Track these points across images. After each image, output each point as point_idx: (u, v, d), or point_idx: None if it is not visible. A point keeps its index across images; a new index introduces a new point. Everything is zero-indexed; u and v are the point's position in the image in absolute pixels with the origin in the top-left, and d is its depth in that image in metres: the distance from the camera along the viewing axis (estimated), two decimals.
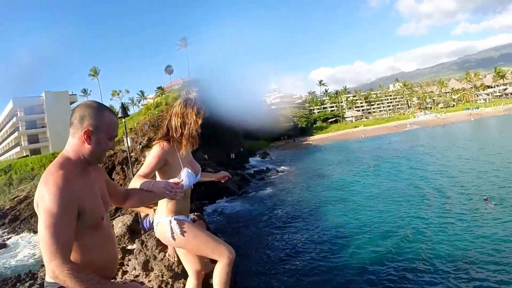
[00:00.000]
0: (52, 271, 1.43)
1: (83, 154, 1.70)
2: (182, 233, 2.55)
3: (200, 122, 2.63)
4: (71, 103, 54.35)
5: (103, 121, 1.70)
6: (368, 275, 11.58)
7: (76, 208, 1.57)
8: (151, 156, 2.53)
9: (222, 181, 3.25)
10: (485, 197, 18.03)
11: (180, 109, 2.61)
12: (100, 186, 1.83)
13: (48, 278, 1.59)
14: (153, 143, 2.63)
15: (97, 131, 1.68)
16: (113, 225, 5.46)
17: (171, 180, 2.08)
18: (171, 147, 2.59)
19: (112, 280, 1.94)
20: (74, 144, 1.69)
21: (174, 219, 2.58)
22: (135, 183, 2.24)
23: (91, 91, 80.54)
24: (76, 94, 60.19)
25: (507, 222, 14.64)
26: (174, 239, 2.56)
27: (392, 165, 34.13)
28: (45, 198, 1.49)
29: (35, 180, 28.82)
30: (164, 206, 2.58)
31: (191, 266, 2.82)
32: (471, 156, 32.81)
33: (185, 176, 2.55)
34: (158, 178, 2.62)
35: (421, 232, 14.88)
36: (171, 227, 2.55)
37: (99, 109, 1.71)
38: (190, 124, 2.59)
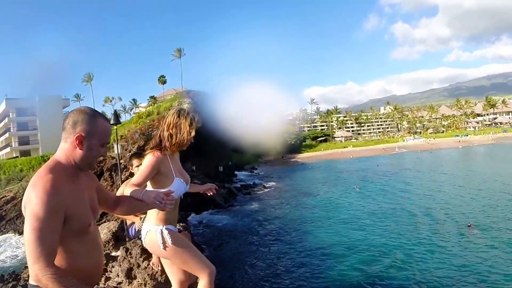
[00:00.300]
0: (35, 274, 1.45)
1: (74, 159, 1.69)
2: (173, 243, 2.54)
3: (193, 133, 2.65)
4: (64, 107, 54.23)
5: (96, 128, 1.70)
6: None
7: (63, 213, 1.57)
8: (145, 165, 2.54)
9: (208, 194, 3.24)
10: (469, 224, 18.23)
11: (174, 119, 2.62)
12: (89, 193, 1.82)
13: (32, 281, 1.60)
14: (146, 152, 2.64)
15: (89, 137, 1.68)
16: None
17: (162, 191, 2.09)
18: (164, 156, 2.59)
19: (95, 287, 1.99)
20: (65, 149, 1.70)
21: (166, 228, 2.58)
22: (127, 191, 2.25)
23: (84, 96, 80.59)
24: (69, 99, 60.35)
25: (487, 251, 14.80)
26: (164, 248, 2.54)
27: (378, 187, 34.42)
28: (32, 202, 1.50)
29: (23, 181, 28.61)
30: (154, 215, 2.58)
31: (175, 277, 2.81)
32: (458, 182, 33.23)
33: (176, 186, 2.56)
34: (149, 187, 2.63)
35: (403, 256, 14.99)
36: (162, 237, 2.54)
37: (93, 115, 1.71)
38: (183, 134, 2.60)
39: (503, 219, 19.11)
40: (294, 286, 12.85)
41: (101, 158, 22.64)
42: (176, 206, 2.72)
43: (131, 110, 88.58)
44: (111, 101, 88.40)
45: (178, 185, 2.59)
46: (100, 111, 1.91)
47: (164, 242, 2.53)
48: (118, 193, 3.66)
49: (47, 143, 45.46)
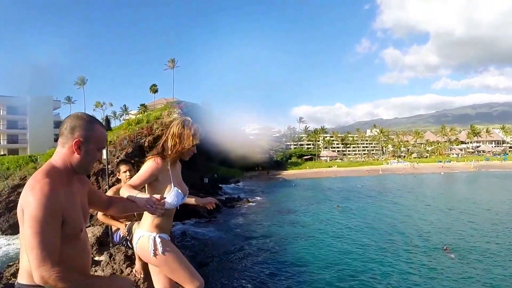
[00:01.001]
0: (41, 276, 1.46)
1: (71, 164, 1.73)
2: (164, 251, 2.55)
3: (196, 143, 2.69)
4: (55, 108, 54.66)
5: (93, 133, 1.75)
6: None
7: (60, 216, 1.59)
8: (144, 169, 2.57)
9: (208, 208, 3.26)
10: (445, 247, 18.67)
11: (178, 129, 2.64)
12: (81, 198, 1.85)
13: (22, 280, 1.65)
14: (147, 158, 2.65)
15: (87, 142, 1.72)
16: None
17: (155, 196, 2.18)
18: (164, 164, 2.62)
19: (97, 274, 2.11)
20: (63, 153, 1.73)
21: (159, 236, 2.59)
22: (123, 191, 2.32)
23: (75, 100, 80.00)
24: (60, 101, 60.49)
25: (462, 273, 15.30)
26: (155, 256, 2.54)
27: (359, 207, 34.97)
28: (31, 205, 1.50)
29: (9, 180, 28.29)
30: (149, 221, 2.58)
31: (160, 286, 2.77)
32: (437, 206, 34.09)
33: (174, 195, 2.59)
34: (146, 191, 2.64)
35: (379, 276, 15.29)
36: (154, 244, 2.55)
37: (90, 121, 1.76)
38: (185, 144, 2.63)
39: (479, 244, 19.70)
40: None
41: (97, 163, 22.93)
42: (171, 215, 2.76)
43: (121, 117, 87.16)
44: (102, 106, 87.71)
45: (176, 195, 2.61)
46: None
47: (155, 249, 2.54)
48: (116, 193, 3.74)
49: (35, 143, 46.34)
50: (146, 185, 2.60)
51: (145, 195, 2.20)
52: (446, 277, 15.04)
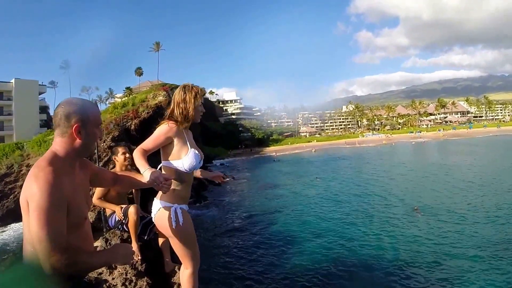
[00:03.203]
0: (52, 266, 1.44)
1: (75, 149, 1.71)
2: (184, 224, 2.55)
3: (200, 101, 2.66)
4: (40, 93, 52.69)
5: (88, 114, 1.71)
6: (313, 275, 12.70)
7: (66, 204, 1.57)
8: (159, 133, 2.52)
9: (217, 182, 3.27)
10: (415, 207, 20.25)
11: (180, 96, 2.62)
12: (84, 186, 1.83)
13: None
14: (161, 122, 2.62)
15: (85, 125, 1.69)
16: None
17: (163, 174, 2.17)
18: (180, 128, 2.59)
19: (98, 250, 2.23)
20: (64, 142, 1.68)
21: (180, 208, 2.59)
22: (137, 155, 2.31)
23: (57, 83, 79.56)
24: (45, 85, 58.38)
25: (427, 230, 16.76)
26: (176, 227, 2.52)
27: (338, 177, 36.37)
28: (36, 195, 1.47)
29: None
30: (170, 191, 2.39)
31: (187, 255, 2.67)
32: (411, 172, 36.11)
33: (192, 157, 2.56)
34: (161, 156, 2.64)
35: (356, 236, 16.47)
36: (176, 215, 2.53)
37: (82, 104, 1.72)
38: (190, 107, 2.60)
39: (447, 204, 21.10)
40: (264, 269, 13.67)
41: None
42: (190, 183, 2.73)
43: (106, 100, 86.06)
44: (87, 90, 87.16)
45: (194, 156, 2.58)
46: None
47: (177, 221, 2.52)
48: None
49: (21, 130, 44.33)
50: (161, 149, 2.58)
51: (150, 171, 2.13)
52: (412, 233, 16.40)
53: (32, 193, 1.48)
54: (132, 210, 3.92)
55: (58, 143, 1.68)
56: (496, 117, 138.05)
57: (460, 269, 12.33)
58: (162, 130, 2.50)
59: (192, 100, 2.59)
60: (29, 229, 1.49)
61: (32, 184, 1.50)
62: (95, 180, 2.01)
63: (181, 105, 2.58)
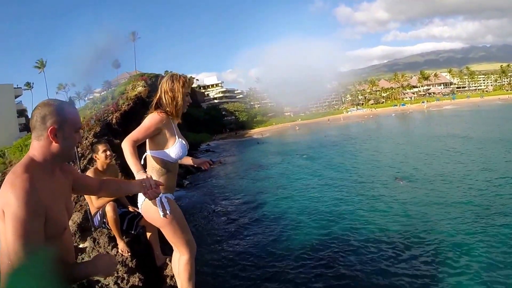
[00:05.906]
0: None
1: (52, 154, 1.62)
2: (171, 212, 2.54)
3: (188, 90, 2.66)
4: (16, 96, 52.06)
5: (65, 116, 1.63)
6: (304, 251, 12.23)
7: (44, 213, 1.49)
8: (148, 122, 2.49)
9: (203, 168, 3.29)
10: (397, 178, 20.42)
11: (168, 85, 2.61)
12: (64, 192, 1.74)
13: None
14: (149, 112, 2.60)
15: (62, 127, 1.61)
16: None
17: (154, 179, 2.03)
18: (169, 118, 2.59)
19: (79, 262, 2.17)
20: (40, 146, 1.60)
21: (165, 196, 2.56)
22: (128, 149, 2.27)
23: (33, 83, 76.47)
24: (21, 88, 57.48)
25: (409, 196, 16.80)
26: (164, 216, 2.51)
27: (324, 154, 36.11)
28: (12, 204, 1.39)
29: None
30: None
31: (181, 242, 2.67)
32: (396, 144, 36.12)
33: (179, 147, 2.58)
34: (149, 148, 2.63)
35: (342, 210, 16.31)
36: (162, 205, 2.51)
37: (59, 105, 1.63)
38: (178, 96, 2.60)
39: (429, 172, 21.27)
40: (259, 251, 13.25)
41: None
42: (175, 172, 2.74)
43: (85, 96, 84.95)
44: (64, 88, 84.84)
45: (181, 147, 2.59)
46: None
47: (163, 210, 2.50)
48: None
49: (1, 137, 41.65)
50: (147, 140, 2.57)
51: (143, 175, 2.08)
52: (394, 199, 16.59)
53: (8, 201, 1.41)
54: (108, 208, 3.90)
55: (35, 147, 1.61)
56: (479, 87, 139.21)
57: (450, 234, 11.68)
58: (153, 120, 2.50)
59: (181, 89, 2.61)
60: (5, 240, 1.41)
61: (8, 192, 1.42)
62: (78, 187, 1.93)
63: (169, 94, 2.60)
